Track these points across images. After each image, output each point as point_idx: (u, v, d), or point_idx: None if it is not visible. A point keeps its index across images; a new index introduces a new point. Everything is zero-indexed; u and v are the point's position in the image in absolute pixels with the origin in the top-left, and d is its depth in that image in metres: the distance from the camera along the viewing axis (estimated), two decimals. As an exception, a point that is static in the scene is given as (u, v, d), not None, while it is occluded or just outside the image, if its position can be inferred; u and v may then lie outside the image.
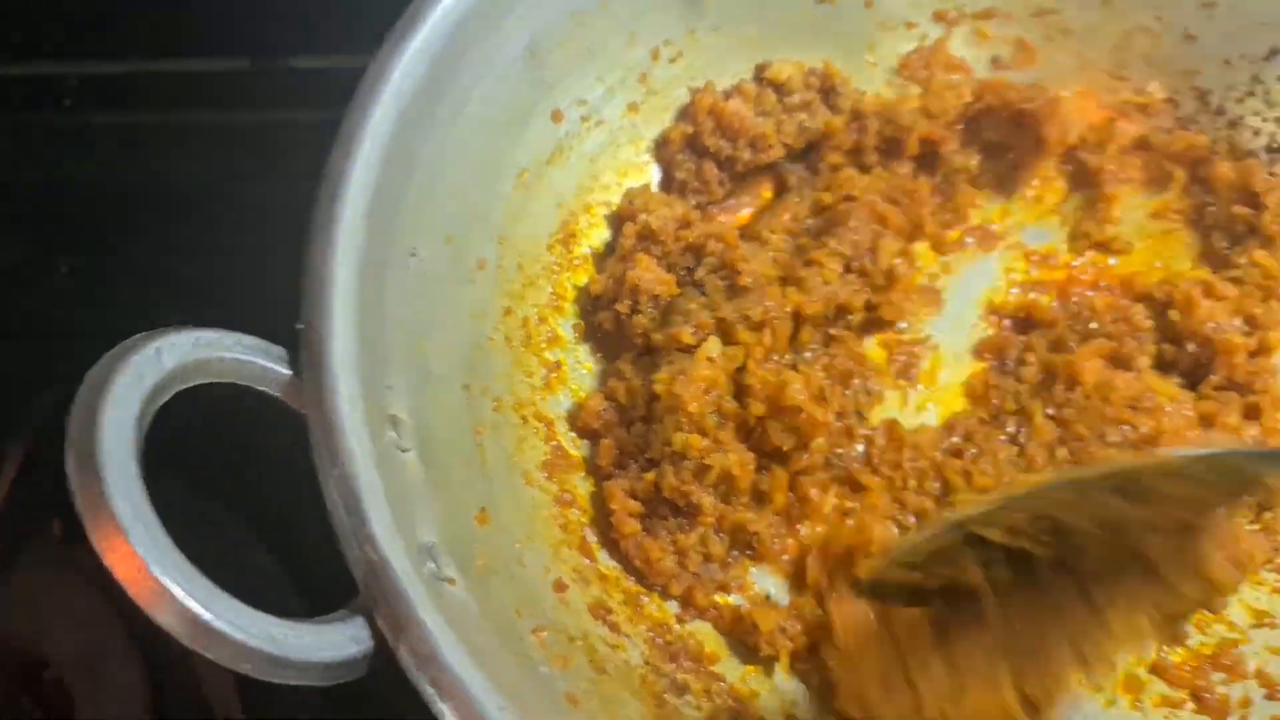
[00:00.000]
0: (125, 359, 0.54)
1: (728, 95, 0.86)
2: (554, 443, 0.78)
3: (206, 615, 0.51)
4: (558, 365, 0.81)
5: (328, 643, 0.53)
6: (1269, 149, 0.85)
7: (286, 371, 0.60)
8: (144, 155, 0.98)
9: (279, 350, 0.61)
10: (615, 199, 0.86)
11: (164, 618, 0.51)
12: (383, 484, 0.58)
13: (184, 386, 0.57)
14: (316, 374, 0.60)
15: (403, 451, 0.63)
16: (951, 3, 0.89)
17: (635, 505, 0.73)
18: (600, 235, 0.85)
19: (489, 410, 0.74)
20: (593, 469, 0.77)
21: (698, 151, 0.86)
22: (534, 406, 0.78)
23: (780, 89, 0.87)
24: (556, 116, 0.81)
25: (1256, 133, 0.86)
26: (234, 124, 1.00)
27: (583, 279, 0.84)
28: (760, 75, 0.88)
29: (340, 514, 0.57)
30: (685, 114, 0.87)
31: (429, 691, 0.53)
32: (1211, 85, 0.87)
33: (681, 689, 0.70)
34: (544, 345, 0.80)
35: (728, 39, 0.88)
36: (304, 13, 0.95)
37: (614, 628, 0.71)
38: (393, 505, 0.58)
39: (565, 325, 0.82)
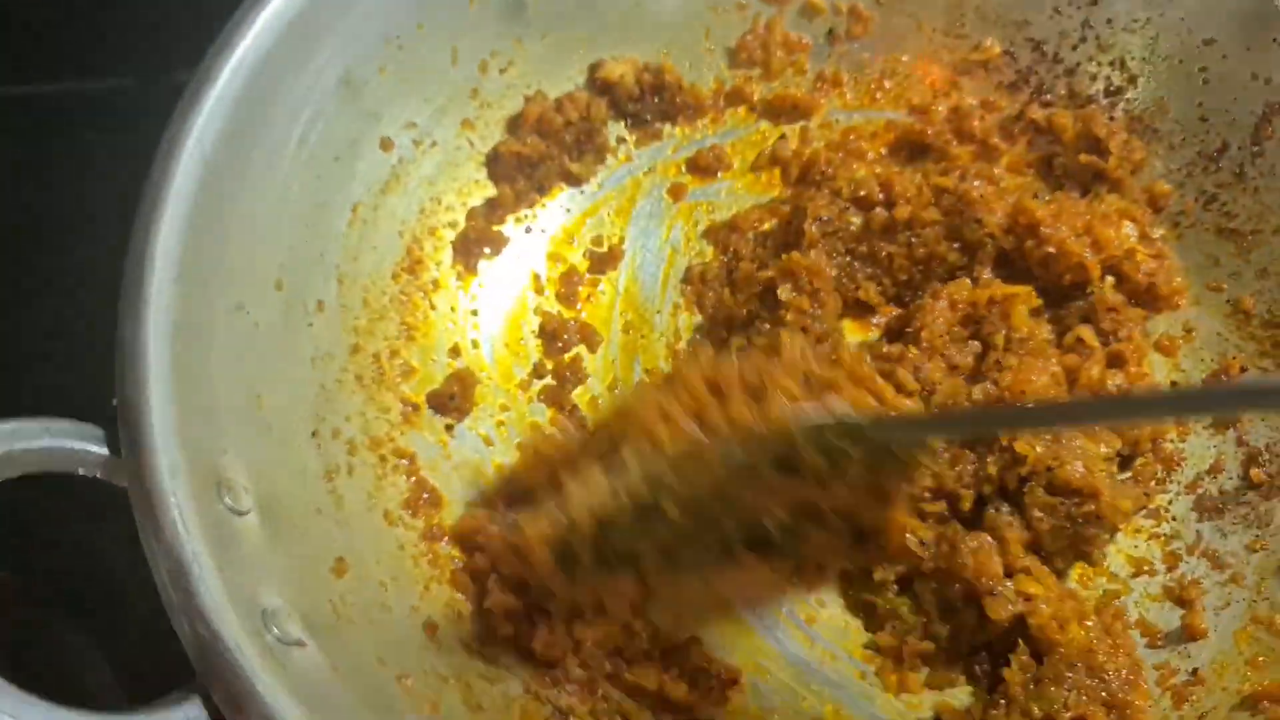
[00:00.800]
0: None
1: (559, 105, 0.85)
2: (415, 478, 0.76)
3: None
4: (416, 403, 0.79)
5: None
6: (1107, 92, 0.85)
7: (104, 451, 0.59)
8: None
9: (95, 430, 0.59)
10: (460, 218, 0.85)
11: None
12: (212, 554, 0.56)
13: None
14: (135, 449, 0.58)
15: (239, 515, 0.61)
16: (779, -22, 0.88)
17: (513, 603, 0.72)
18: (449, 255, 0.84)
19: (343, 454, 0.73)
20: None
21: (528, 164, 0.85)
22: (393, 443, 0.76)
23: (613, 89, 0.85)
24: (386, 145, 0.80)
25: (1093, 78, 0.86)
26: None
27: (433, 310, 0.82)
28: (593, 76, 0.87)
29: (168, 591, 0.55)
30: (514, 125, 0.85)
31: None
32: (1045, 35, 0.86)
33: (565, 713, 0.70)
34: (399, 379, 0.79)
35: (558, 42, 0.86)
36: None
37: (491, 660, 0.70)
38: (225, 575, 0.56)
39: (415, 354, 0.81)
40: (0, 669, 0.48)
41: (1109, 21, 0.84)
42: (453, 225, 0.84)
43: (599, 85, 0.86)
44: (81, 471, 0.59)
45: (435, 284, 0.83)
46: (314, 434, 0.71)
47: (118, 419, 0.59)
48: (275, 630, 0.58)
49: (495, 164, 0.85)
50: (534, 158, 0.84)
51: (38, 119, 0.95)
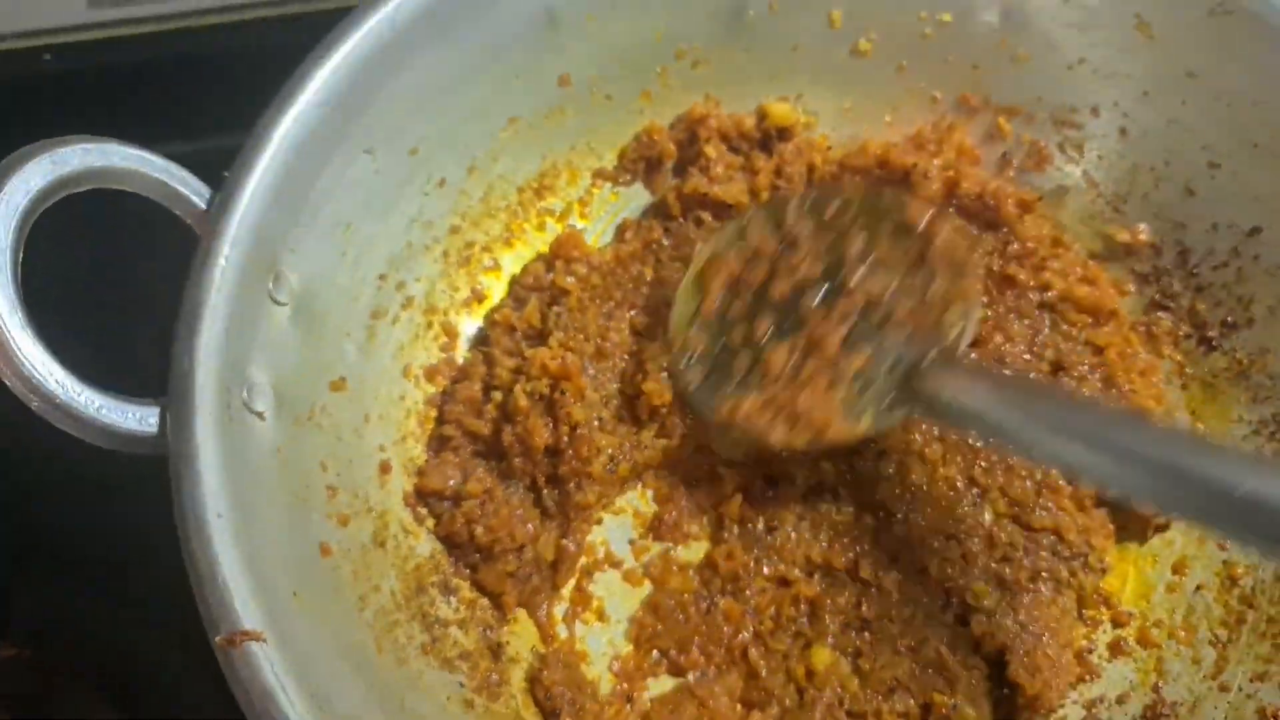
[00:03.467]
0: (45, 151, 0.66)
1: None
2: (449, 354, 0.87)
3: (34, 374, 0.63)
4: (484, 294, 0.89)
5: (119, 413, 0.65)
6: (1223, 325, 0.85)
7: (200, 205, 0.72)
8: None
9: (202, 187, 0.72)
10: (610, 165, 0.94)
11: (12, 383, 0.63)
12: (232, 313, 0.68)
13: (113, 187, 0.70)
14: (222, 210, 0.70)
15: (276, 304, 0.74)
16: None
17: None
18: (574, 193, 0.93)
19: (397, 304, 0.84)
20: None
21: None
22: (445, 317, 0.87)
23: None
24: (564, 81, 0.89)
25: (1218, 304, 0.85)
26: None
27: (542, 233, 0.92)
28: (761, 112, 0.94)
29: (184, 323, 0.68)
30: (681, 121, 0.93)
31: (175, 477, 0.63)
32: (1194, 244, 0.86)
33: (450, 590, 0.79)
34: (480, 271, 0.89)
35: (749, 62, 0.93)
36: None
37: (420, 517, 0.80)
38: (233, 330, 0.68)
39: (508, 260, 0.91)
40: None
41: (1256, 258, 0.83)
42: (593, 170, 0.94)
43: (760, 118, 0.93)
44: (175, 210, 0.71)
45: (552, 212, 0.93)
46: (381, 277, 0.83)
47: (222, 186, 0.72)
48: (246, 394, 0.69)
49: (640, 142, 0.94)
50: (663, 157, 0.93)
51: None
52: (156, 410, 0.66)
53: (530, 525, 0.81)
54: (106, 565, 0.88)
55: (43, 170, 0.65)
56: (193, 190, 0.72)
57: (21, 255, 0.64)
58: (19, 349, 0.62)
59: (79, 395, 0.64)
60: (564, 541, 0.82)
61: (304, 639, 0.63)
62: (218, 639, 0.59)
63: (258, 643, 0.59)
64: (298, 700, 0.59)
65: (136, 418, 0.66)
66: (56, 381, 0.63)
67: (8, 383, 0.62)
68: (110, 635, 0.90)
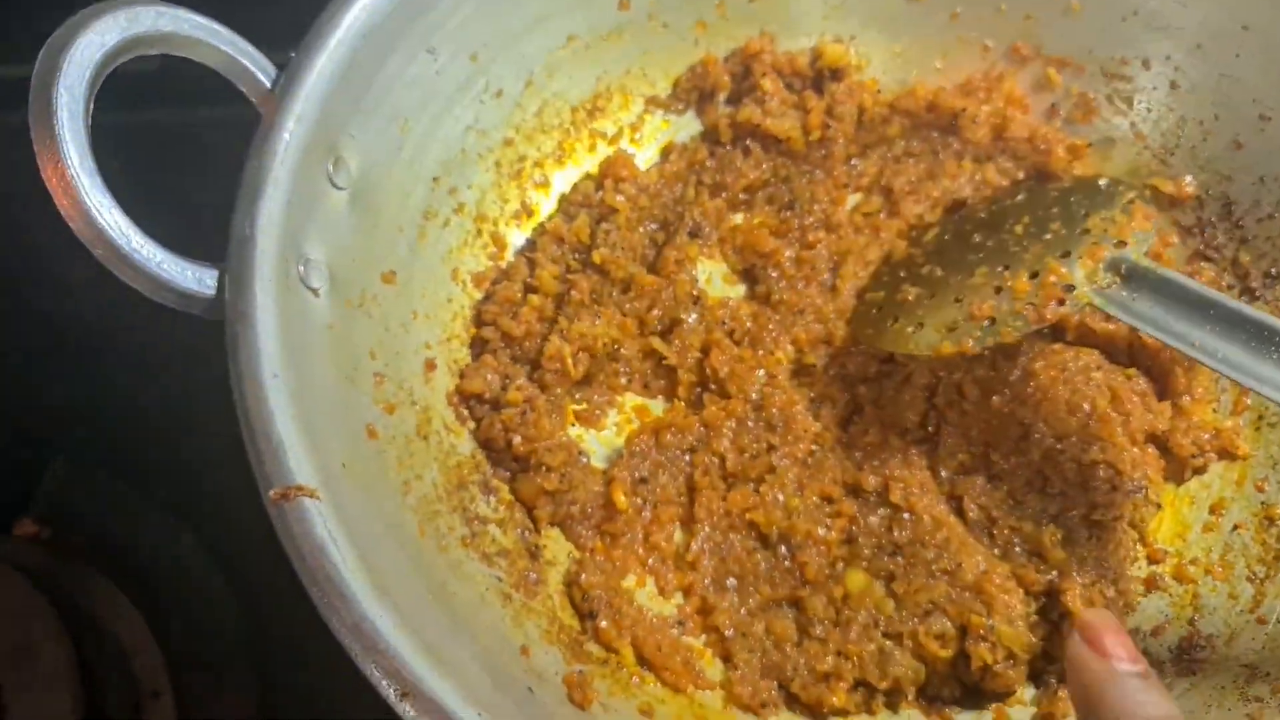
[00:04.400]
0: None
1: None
2: (496, 264, 0.87)
3: (100, 220, 0.63)
4: (532, 209, 0.90)
5: (178, 270, 0.65)
6: (1267, 276, 0.85)
7: (265, 83, 0.72)
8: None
9: (269, 65, 0.72)
10: (663, 93, 0.94)
11: (78, 227, 0.63)
12: (293, 188, 0.68)
13: (181, 54, 0.69)
14: (287, 91, 0.71)
15: (335, 187, 0.73)
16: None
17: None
18: (626, 118, 0.93)
19: (449, 208, 0.84)
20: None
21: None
22: (495, 226, 0.87)
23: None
24: (624, 5, 0.90)
25: (1261, 256, 0.85)
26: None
27: (593, 154, 0.92)
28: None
29: (244, 194, 0.68)
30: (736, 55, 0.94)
31: (232, 338, 0.63)
32: (1239, 197, 0.87)
33: (490, 490, 0.79)
34: (530, 185, 0.90)
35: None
36: None
37: (462, 418, 0.80)
38: (293, 207, 0.68)
39: (558, 178, 0.91)
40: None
41: (1308, 209, 0.84)
42: (647, 96, 0.94)
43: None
44: (240, 85, 0.71)
45: (604, 134, 0.93)
46: (435, 179, 0.83)
47: (288, 66, 0.72)
48: (303, 269, 0.69)
49: (695, 72, 0.94)
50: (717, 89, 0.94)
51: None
52: (215, 273, 0.66)
53: (568, 448, 0.81)
54: (132, 452, 0.87)
55: (117, 26, 0.65)
56: (258, 66, 0.72)
57: (92, 109, 0.64)
58: (88, 195, 0.62)
59: (142, 248, 0.64)
60: (614, 493, 0.81)
61: (353, 506, 0.62)
62: (271, 493, 0.59)
63: (311, 498, 0.59)
64: (349, 556, 0.58)
65: (196, 278, 0.65)
66: (121, 232, 0.63)
67: (73, 226, 0.62)
68: (127, 521, 0.90)
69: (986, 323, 0.77)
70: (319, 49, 0.72)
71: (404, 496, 0.70)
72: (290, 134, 0.70)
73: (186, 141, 0.89)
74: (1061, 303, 0.76)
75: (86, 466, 0.92)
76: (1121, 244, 0.77)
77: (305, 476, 0.60)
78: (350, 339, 0.72)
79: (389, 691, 0.55)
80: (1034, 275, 0.78)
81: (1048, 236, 0.81)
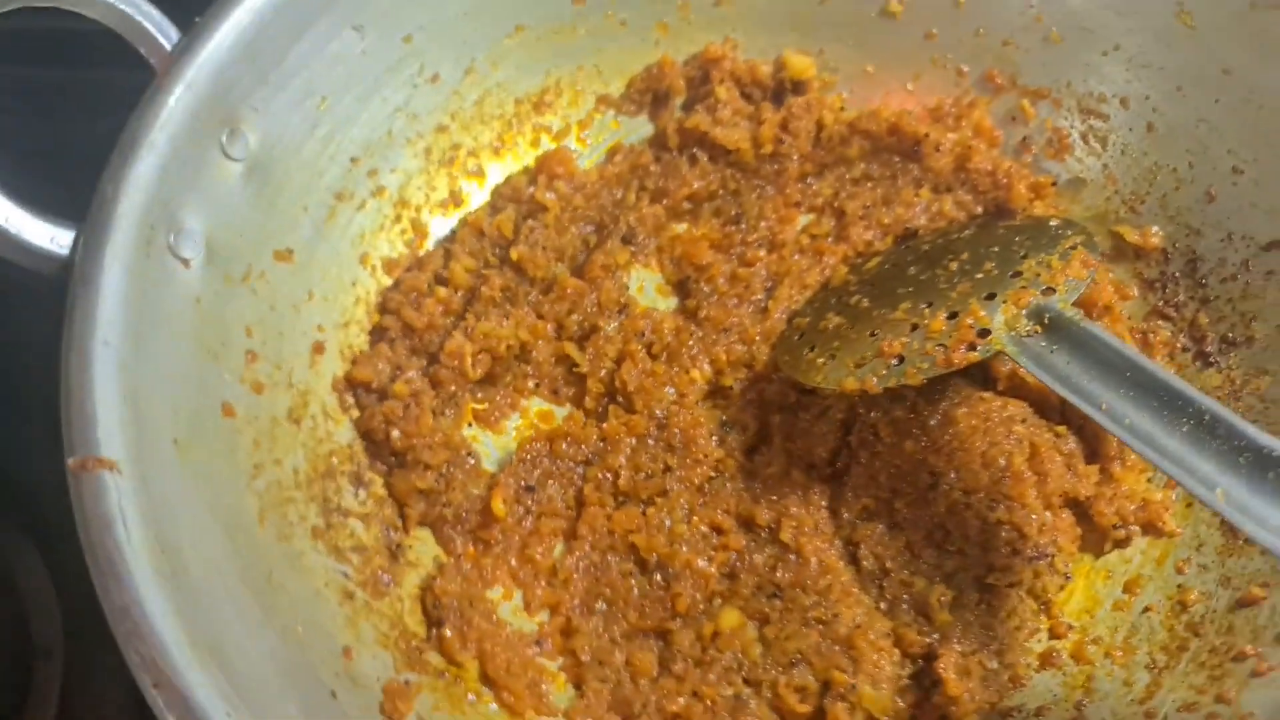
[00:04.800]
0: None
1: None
2: (416, 251, 0.84)
3: None
4: (462, 198, 0.87)
5: (32, 229, 0.64)
6: (1224, 341, 0.79)
7: (165, 45, 0.70)
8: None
9: (169, 27, 0.70)
10: (616, 92, 0.91)
11: None
12: (172, 151, 0.67)
13: (76, 9, 0.68)
14: (179, 53, 0.69)
15: (228, 158, 0.72)
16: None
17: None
18: (575, 114, 0.90)
19: (366, 190, 0.82)
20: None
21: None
22: (416, 214, 0.85)
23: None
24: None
25: (1220, 319, 0.79)
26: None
27: (535, 149, 0.89)
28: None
29: (116, 152, 0.66)
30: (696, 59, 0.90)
31: (70, 298, 0.62)
32: (1206, 254, 0.80)
33: (362, 483, 0.76)
34: (461, 174, 0.87)
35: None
36: None
37: (345, 405, 0.78)
38: (169, 173, 0.67)
39: (494, 170, 0.88)
40: None
41: (1269, 274, 0.77)
42: (598, 94, 0.91)
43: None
44: (138, 46, 0.70)
45: (549, 129, 0.90)
46: (353, 160, 0.81)
47: (189, 30, 0.70)
48: (173, 238, 0.67)
49: (650, 74, 0.91)
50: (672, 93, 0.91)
51: None
52: (73, 234, 0.65)
53: (454, 448, 0.79)
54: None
55: (4, -24, 0.65)
56: (158, 27, 0.70)
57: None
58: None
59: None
60: (493, 499, 0.78)
61: (170, 485, 0.61)
62: (70, 461, 0.57)
63: (110, 472, 0.57)
64: (137, 535, 0.56)
65: (49, 237, 0.64)
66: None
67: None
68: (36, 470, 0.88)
69: (894, 361, 0.73)
70: (223, 16, 0.71)
71: (251, 480, 0.68)
72: (176, 99, 0.68)
73: (78, 101, 0.88)
74: (973, 347, 0.71)
75: (14, 419, 0.91)
76: (1050, 290, 0.72)
77: (113, 450, 0.58)
78: (222, 314, 0.71)
79: (143, 678, 0.53)
80: (952, 315, 0.73)
81: (979, 276, 0.75)
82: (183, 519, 0.60)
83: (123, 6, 0.69)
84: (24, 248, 0.64)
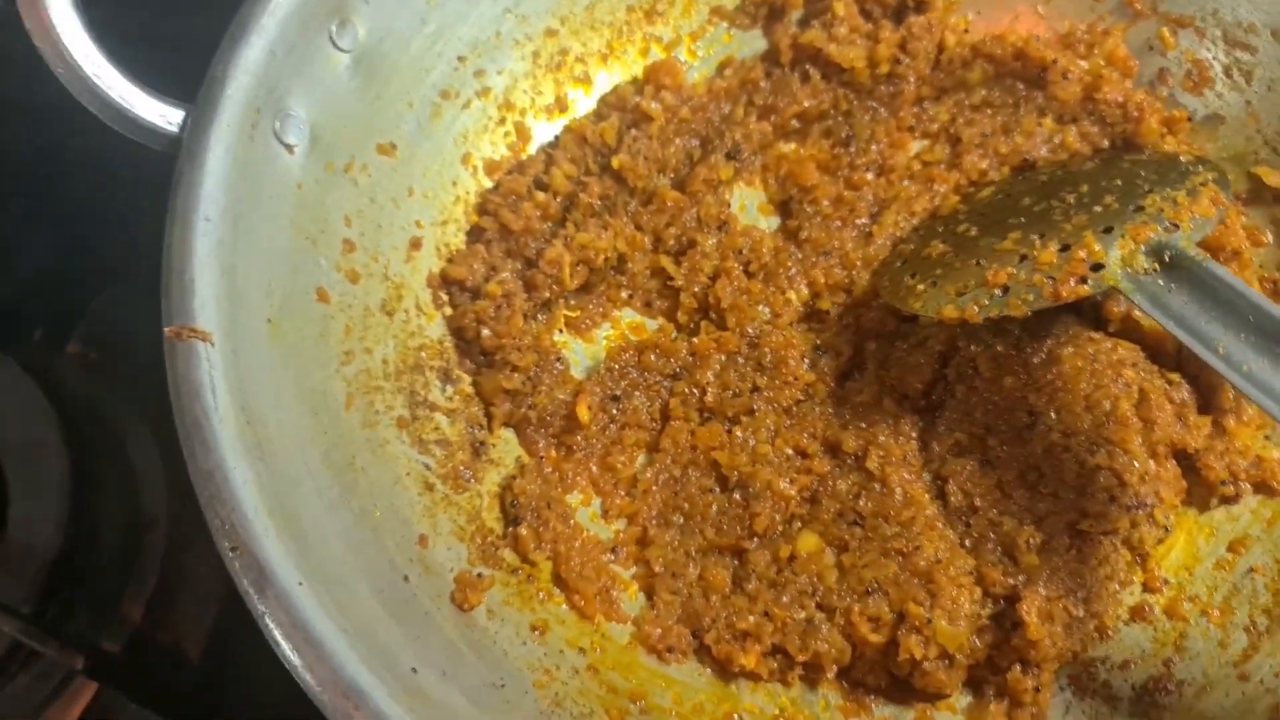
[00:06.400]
0: None
1: None
2: (517, 155, 0.84)
3: (80, 63, 0.64)
4: (567, 105, 0.86)
5: (144, 105, 0.65)
6: None
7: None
8: None
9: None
10: (730, 3, 0.89)
11: (56, 67, 0.64)
12: (281, 37, 0.67)
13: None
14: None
15: (338, 49, 0.72)
16: None
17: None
18: (687, 25, 0.88)
19: (472, 90, 0.82)
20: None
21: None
22: (520, 117, 0.84)
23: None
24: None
25: None
26: None
27: (644, 58, 0.88)
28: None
29: (227, 35, 0.67)
30: None
31: (176, 174, 0.63)
32: None
33: (451, 380, 0.77)
34: (568, 80, 0.86)
35: None
36: None
37: (439, 302, 0.78)
38: (277, 59, 0.67)
39: (601, 78, 0.87)
40: None
41: None
42: (712, 5, 0.88)
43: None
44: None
45: (660, 39, 0.88)
46: (460, 58, 0.80)
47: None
48: (279, 124, 0.68)
49: None
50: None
51: None
52: (183, 114, 0.66)
53: (543, 352, 0.79)
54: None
55: None
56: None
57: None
58: (55, 20, 0.63)
59: (106, 77, 0.64)
60: (579, 405, 0.77)
61: (259, 362, 0.62)
62: (167, 329, 0.59)
63: (204, 342, 0.59)
64: (224, 404, 0.58)
65: (160, 114, 0.65)
66: (87, 58, 0.64)
67: (38, 44, 0.63)
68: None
69: (998, 291, 0.70)
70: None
71: (341, 365, 0.69)
72: (296, -17, 0.68)
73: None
74: (1084, 281, 0.67)
75: (134, 296, 0.95)
76: (1174, 227, 0.68)
77: (208, 321, 0.60)
78: (322, 202, 0.71)
79: (222, 543, 0.54)
80: (1065, 248, 0.69)
81: (1097, 209, 0.72)
82: (270, 395, 0.62)
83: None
84: (135, 123, 0.65)
